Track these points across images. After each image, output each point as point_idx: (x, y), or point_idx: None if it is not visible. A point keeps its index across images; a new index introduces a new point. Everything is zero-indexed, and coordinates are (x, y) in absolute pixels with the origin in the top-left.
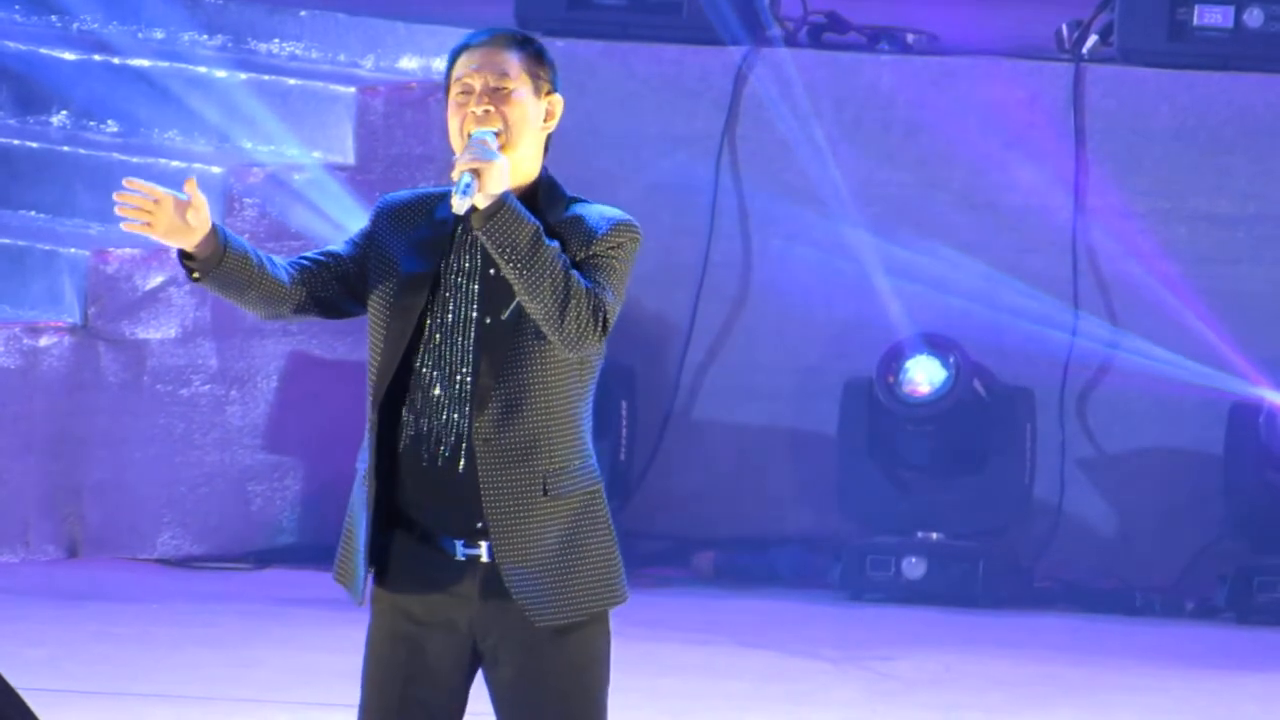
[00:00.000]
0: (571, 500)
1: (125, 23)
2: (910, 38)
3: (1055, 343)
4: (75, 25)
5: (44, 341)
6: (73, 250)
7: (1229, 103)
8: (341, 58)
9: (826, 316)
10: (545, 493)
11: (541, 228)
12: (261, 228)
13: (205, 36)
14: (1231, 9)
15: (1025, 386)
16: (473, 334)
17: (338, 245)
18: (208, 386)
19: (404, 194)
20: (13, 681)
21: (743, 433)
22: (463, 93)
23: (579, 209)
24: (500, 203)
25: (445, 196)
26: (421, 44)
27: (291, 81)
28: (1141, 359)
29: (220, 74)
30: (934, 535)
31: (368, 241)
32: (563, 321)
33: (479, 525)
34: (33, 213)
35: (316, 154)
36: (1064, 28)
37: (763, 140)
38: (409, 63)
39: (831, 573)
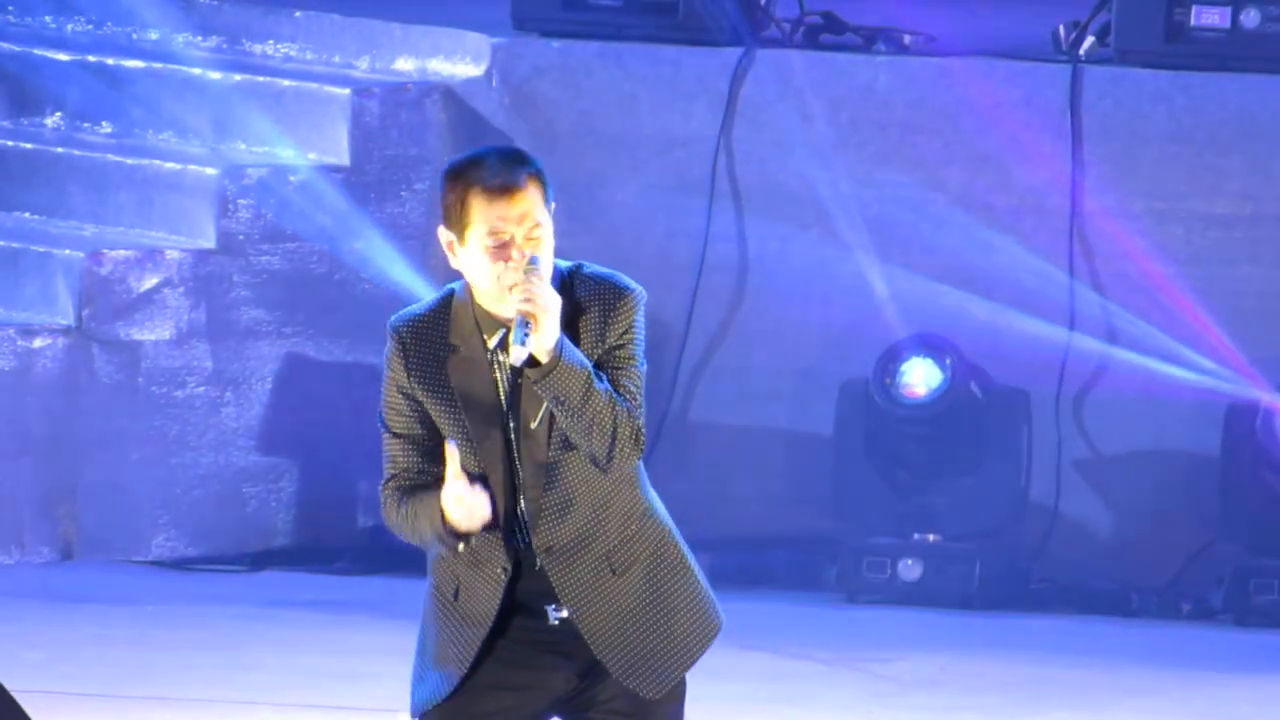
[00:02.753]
0: (639, 565)
1: (119, 24)
2: (907, 39)
3: (1051, 344)
4: (69, 26)
5: (38, 343)
6: (67, 252)
7: (1226, 104)
8: (336, 59)
9: (823, 318)
10: (614, 572)
11: (592, 372)
12: (256, 230)
13: (200, 38)
14: (1228, 10)
15: (1021, 388)
16: (511, 449)
17: (403, 426)
18: (202, 388)
19: (416, 320)
20: (7, 684)
21: (739, 434)
22: (498, 246)
23: (580, 294)
24: (556, 359)
25: (452, 304)
26: (417, 45)
27: (286, 83)
28: (1138, 360)
29: (215, 75)
30: (930, 537)
31: (417, 401)
32: (610, 458)
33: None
34: (27, 214)
35: (311, 155)
36: (1061, 29)
37: (759, 141)
38: (404, 64)
39: (827, 574)
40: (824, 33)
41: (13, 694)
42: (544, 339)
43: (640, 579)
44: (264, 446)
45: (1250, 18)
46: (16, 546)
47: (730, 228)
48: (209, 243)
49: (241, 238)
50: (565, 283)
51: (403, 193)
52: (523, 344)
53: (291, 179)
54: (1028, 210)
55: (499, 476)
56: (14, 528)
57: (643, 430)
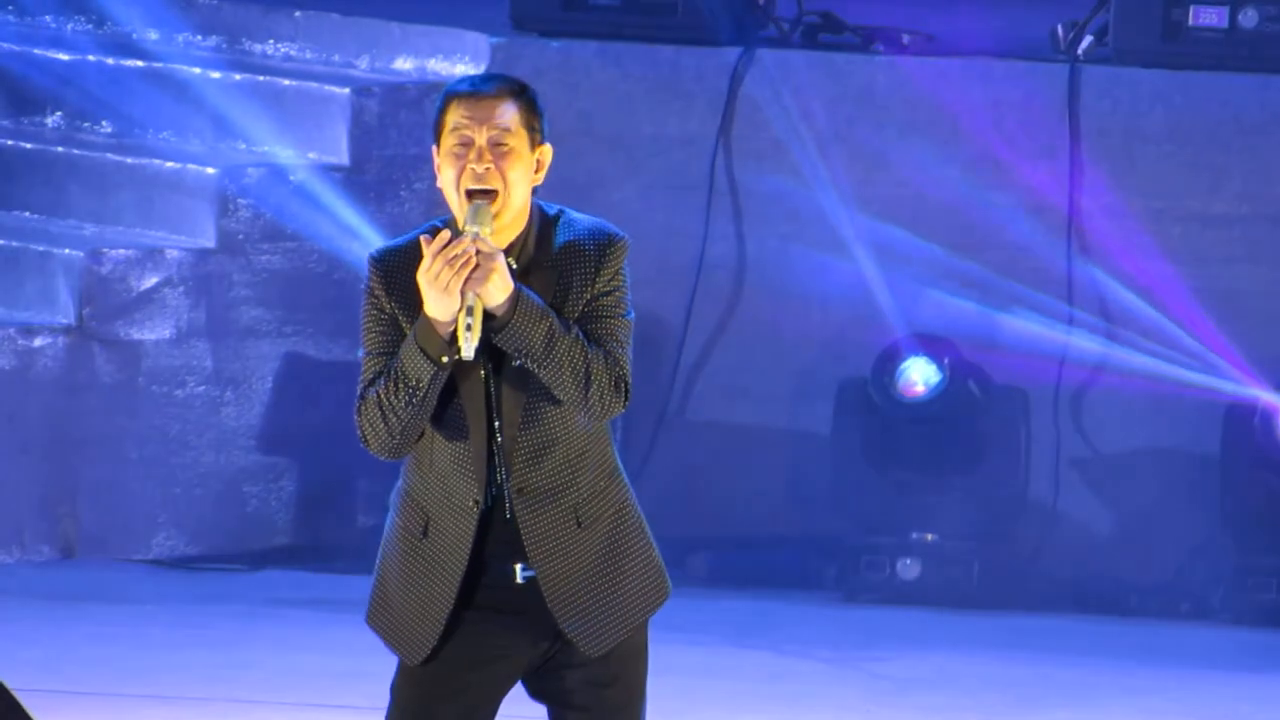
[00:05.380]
0: (603, 521)
1: (119, 23)
2: (905, 38)
3: (1050, 343)
4: (69, 26)
5: (38, 342)
6: (67, 251)
7: (1224, 103)
8: (336, 58)
9: (821, 317)
10: (579, 524)
11: (556, 320)
12: (256, 229)
13: (199, 37)
14: (1226, 9)
15: (1020, 387)
16: (490, 389)
17: (383, 346)
18: (202, 387)
19: (397, 250)
20: (7, 683)
21: (737, 433)
22: (460, 144)
23: (567, 238)
24: (510, 314)
25: (435, 237)
26: (416, 45)
27: (286, 82)
28: (1136, 359)
29: (215, 75)
30: (929, 536)
31: (397, 323)
32: (587, 401)
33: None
34: (27, 213)
35: (311, 155)
36: (1059, 28)
37: (757, 140)
38: (404, 63)
39: (826, 574)
40: (822, 32)
41: (14, 693)
42: (493, 295)
43: (602, 537)
44: (264, 445)
45: (1248, 17)
46: (16, 545)
47: (729, 227)
48: (209, 242)
49: (241, 237)
50: (548, 226)
51: (402, 192)
52: (469, 329)
53: (291, 178)
54: (1026, 210)
55: (477, 410)
56: (14, 526)
57: (627, 378)
